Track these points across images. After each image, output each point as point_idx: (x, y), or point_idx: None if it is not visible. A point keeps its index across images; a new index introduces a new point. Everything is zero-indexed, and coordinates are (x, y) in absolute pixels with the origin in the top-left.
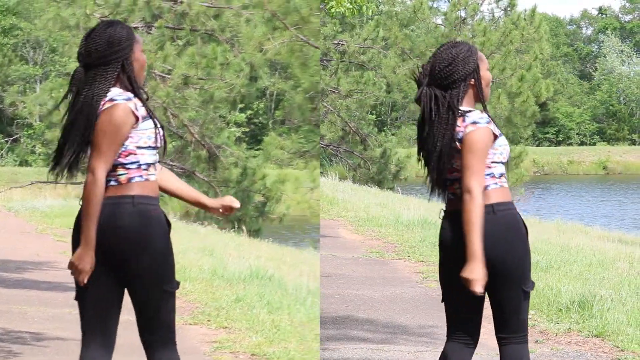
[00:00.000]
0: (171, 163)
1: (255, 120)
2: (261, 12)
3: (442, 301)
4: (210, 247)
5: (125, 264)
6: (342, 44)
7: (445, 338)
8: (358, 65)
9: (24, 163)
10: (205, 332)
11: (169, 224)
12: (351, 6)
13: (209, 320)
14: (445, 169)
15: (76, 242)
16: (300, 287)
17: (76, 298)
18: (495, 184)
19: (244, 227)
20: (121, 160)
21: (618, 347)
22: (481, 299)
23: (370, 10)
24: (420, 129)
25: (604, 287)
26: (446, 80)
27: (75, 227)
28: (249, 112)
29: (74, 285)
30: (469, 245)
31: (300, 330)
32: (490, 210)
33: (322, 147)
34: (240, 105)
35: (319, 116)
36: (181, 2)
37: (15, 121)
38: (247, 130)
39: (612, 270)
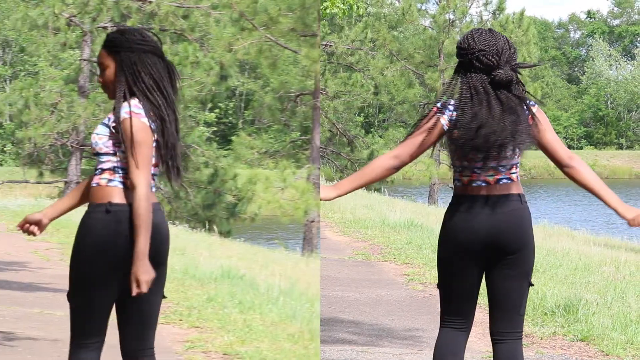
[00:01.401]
0: None
1: (225, 120)
2: (230, 12)
3: (437, 285)
4: (181, 247)
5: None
6: (330, 46)
7: (429, 341)
8: (346, 66)
9: None
10: (177, 332)
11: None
12: (343, 6)
13: (180, 320)
14: None
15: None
16: (272, 287)
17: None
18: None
19: (215, 227)
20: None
21: (603, 351)
22: (479, 281)
23: (361, 10)
24: (487, 113)
25: (589, 291)
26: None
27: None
28: (217, 111)
29: (45, 285)
30: (614, 199)
31: (272, 329)
32: (519, 199)
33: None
34: (209, 105)
35: (288, 116)
36: (150, 2)
37: None
38: (217, 130)
39: (597, 274)
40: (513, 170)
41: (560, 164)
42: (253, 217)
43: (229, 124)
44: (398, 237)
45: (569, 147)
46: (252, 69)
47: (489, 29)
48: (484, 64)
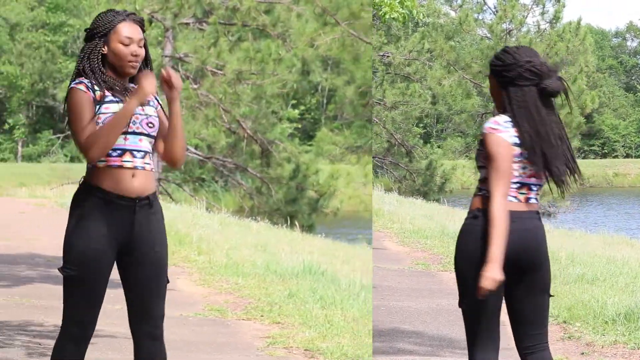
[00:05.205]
0: (224, 159)
1: (307, 115)
2: (312, 7)
3: (487, 312)
4: (263, 242)
5: None
6: (388, 56)
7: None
8: (403, 77)
9: (75, 159)
10: (259, 328)
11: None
12: (403, 11)
13: (262, 316)
14: None
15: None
16: (354, 282)
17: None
18: None
19: (297, 223)
20: None
21: None
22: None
23: (421, 14)
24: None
25: None
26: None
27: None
28: (301, 107)
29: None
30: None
31: (353, 325)
32: (539, 217)
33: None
34: (292, 101)
35: (371, 112)
36: None
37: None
38: (299, 126)
39: None
40: (539, 191)
41: None
42: (335, 212)
43: (312, 120)
44: None
45: (627, 155)
46: (335, 64)
47: (521, 45)
48: (534, 75)
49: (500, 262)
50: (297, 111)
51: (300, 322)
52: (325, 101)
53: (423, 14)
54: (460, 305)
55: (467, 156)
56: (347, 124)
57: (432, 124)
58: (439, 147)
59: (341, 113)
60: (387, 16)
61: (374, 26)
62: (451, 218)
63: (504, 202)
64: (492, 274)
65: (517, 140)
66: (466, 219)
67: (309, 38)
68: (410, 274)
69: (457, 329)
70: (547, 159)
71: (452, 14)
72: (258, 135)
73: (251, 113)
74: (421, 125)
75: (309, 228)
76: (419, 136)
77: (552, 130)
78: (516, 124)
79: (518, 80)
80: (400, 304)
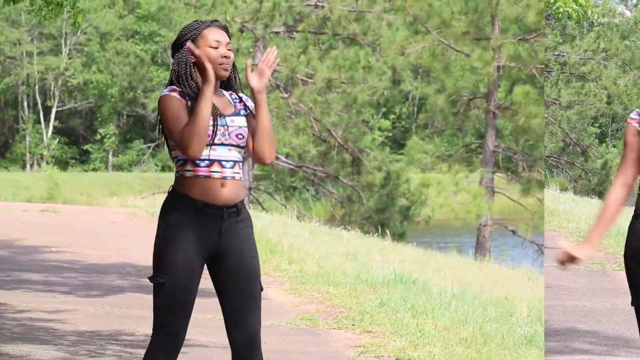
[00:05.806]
0: (315, 167)
1: (398, 124)
2: (402, 15)
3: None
4: (353, 251)
5: None
6: (563, 55)
7: None
8: (578, 76)
9: (166, 168)
10: (350, 337)
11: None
12: (577, 7)
13: (353, 325)
14: None
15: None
16: (445, 291)
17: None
18: None
19: (387, 231)
20: None
21: None
22: None
23: (596, 15)
24: None
25: None
26: None
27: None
28: (392, 116)
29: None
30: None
31: (444, 334)
32: None
33: (545, 157)
34: (383, 109)
35: (462, 120)
36: (322, 7)
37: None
38: (389, 134)
39: None
40: None
41: None
42: (426, 220)
43: (402, 129)
44: None
45: None
46: (426, 73)
47: None
48: None
49: (590, 246)
50: (388, 121)
51: (392, 331)
52: (415, 110)
53: (598, 14)
54: (632, 304)
55: None
56: (437, 132)
57: (608, 123)
58: (614, 146)
59: (432, 122)
60: (560, 10)
61: (549, 25)
62: (627, 217)
63: (622, 190)
64: (573, 251)
65: None
66: (632, 217)
67: (400, 46)
68: (585, 274)
69: (632, 329)
70: None
71: (627, 13)
72: (349, 144)
73: (341, 122)
74: (596, 124)
75: (400, 236)
76: (594, 136)
77: None
78: None
79: None
80: (575, 304)
